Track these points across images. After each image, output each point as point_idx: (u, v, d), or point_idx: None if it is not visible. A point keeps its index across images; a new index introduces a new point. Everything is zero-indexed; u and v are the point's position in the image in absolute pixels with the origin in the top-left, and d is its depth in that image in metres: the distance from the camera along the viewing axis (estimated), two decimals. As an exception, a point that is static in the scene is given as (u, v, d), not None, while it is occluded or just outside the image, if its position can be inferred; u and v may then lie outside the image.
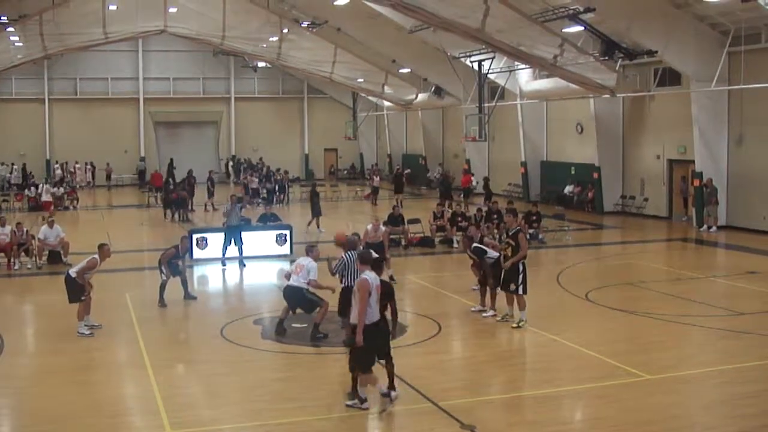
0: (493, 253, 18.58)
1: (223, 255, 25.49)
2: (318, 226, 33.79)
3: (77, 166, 58.40)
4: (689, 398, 13.11)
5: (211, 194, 42.37)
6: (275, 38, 42.26)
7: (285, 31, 42.02)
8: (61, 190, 45.16)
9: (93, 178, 59.49)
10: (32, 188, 45.14)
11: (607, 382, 13.52)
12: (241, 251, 25.45)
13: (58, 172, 56.12)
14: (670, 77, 34.52)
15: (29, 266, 25.64)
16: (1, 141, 57.60)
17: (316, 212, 34.25)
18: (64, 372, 14.42)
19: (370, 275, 12.40)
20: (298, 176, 63.25)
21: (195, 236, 26.83)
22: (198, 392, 13.59)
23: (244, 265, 25.35)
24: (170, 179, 41.24)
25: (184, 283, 20.41)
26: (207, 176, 43.88)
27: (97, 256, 17.32)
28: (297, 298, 16.64)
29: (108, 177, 59.55)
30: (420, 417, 12.18)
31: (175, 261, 20.04)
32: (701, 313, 18.75)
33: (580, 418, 12.48)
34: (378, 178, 49.05)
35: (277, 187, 45.99)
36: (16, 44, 42.42)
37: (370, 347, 12.24)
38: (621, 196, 39.05)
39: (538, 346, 16.22)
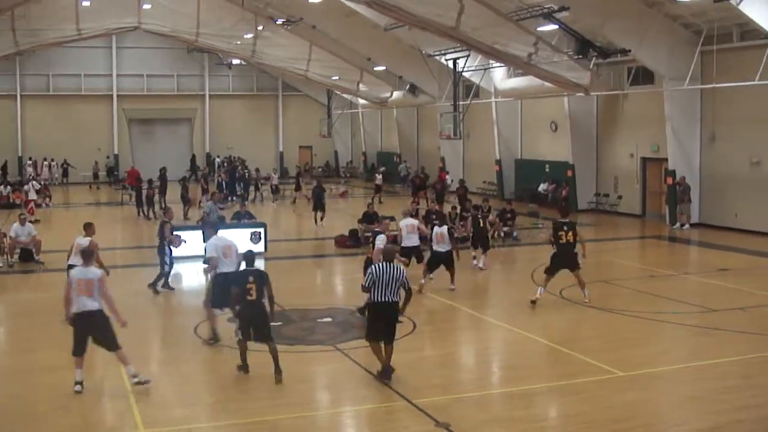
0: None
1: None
2: (321, 220, 34.70)
3: (45, 163, 57.86)
4: (662, 394, 13.17)
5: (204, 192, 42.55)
6: (250, 35, 42.12)
7: (260, 28, 41.88)
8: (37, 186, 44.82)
9: (66, 175, 59.05)
10: (7, 186, 44.80)
11: (580, 379, 13.58)
12: None
13: (30, 169, 55.70)
14: (643, 76, 34.73)
15: (1, 264, 25.43)
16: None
17: (319, 207, 34.95)
18: (35, 371, 14.32)
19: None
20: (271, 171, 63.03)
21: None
22: (171, 391, 13.53)
23: None
24: (163, 187, 40.99)
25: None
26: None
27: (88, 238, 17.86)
28: None
29: (65, 173, 59.46)
30: (394, 415, 12.20)
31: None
32: (674, 310, 18.86)
33: (553, 415, 12.53)
34: (381, 176, 48.90)
35: (242, 184, 46.08)
36: (-14, 40, 42.02)
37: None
38: (595, 193, 39.23)
39: (512, 343, 16.29)
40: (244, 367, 13.99)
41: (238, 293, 13.73)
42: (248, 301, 13.65)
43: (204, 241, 16.99)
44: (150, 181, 39.18)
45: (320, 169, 66.97)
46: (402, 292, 13.68)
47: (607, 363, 14.32)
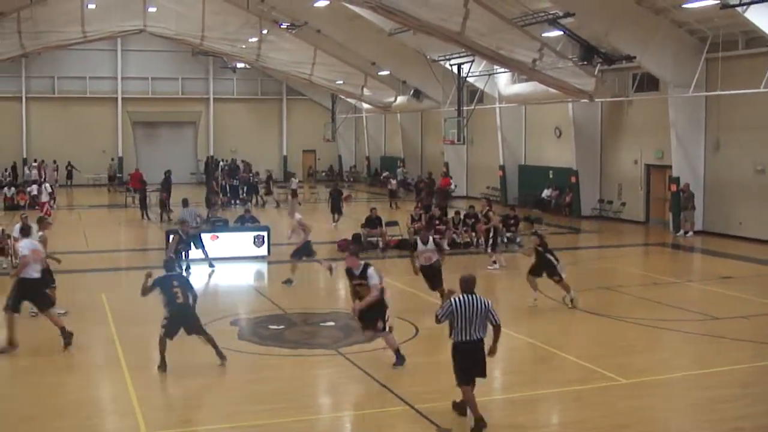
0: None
1: (207, 256, 25.29)
2: (336, 222, 35.28)
3: (54, 165, 57.89)
4: (663, 402, 13.15)
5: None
6: (255, 39, 42.18)
7: (264, 32, 41.95)
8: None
9: (71, 177, 59.13)
10: (11, 188, 44.88)
11: (582, 386, 13.58)
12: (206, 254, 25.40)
13: (32, 171, 55.64)
14: (648, 83, 34.73)
15: (4, 266, 25.40)
16: (-23, 140, 57.23)
17: (336, 210, 35.85)
18: (39, 373, 14.31)
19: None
20: (276, 178, 63.12)
21: (172, 236, 26.70)
22: (174, 394, 13.56)
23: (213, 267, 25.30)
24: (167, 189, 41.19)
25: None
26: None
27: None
28: None
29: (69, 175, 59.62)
30: (397, 420, 12.19)
31: (180, 246, 20.84)
32: (677, 317, 18.83)
33: (555, 422, 12.51)
34: (395, 181, 48.81)
35: (245, 188, 46.12)
36: (-8, 42, 42.11)
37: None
38: (598, 200, 39.20)
39: (515, 349, 16.23)
40: (162, 366, 14.26)
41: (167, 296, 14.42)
42: (178, 304, 14.34)
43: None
44: (162, 184, 39.48)
45: (324, 174, 66.96)
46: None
47: (609, 370, 14.30)
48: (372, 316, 14.53)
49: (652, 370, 14.61)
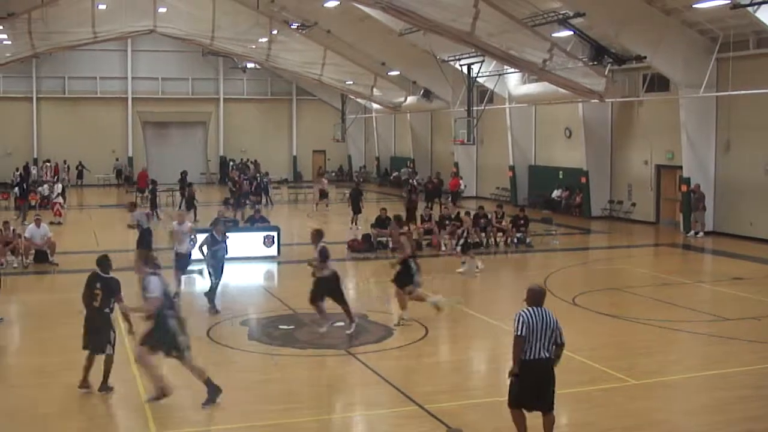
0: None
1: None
2: (356, 223, 35.10)
3: (65, 165, 58.01)
4: (673, 403, 13.14)
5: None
6: (265, 39, 42.23)
7: (274, 32, 42.00)
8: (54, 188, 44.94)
9: (81, 177, 59.33)
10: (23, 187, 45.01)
11: (592, 387, 13.57)
12: None
13: (39, 171, 55.75)
14: (658, 83, 34.64)
15: (15, 265, 25.52)
16: (-12, 139, 57.44)
17: (356, 210, 35.68)
18: (49, 372, 14.35)
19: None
20: (286, 177, 63.25)
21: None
22: (184, 393, 13.54)
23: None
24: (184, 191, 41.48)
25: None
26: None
27: None
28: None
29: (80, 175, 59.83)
30: (406, 420, 12.18)
31: (216, 248, 19.64)
32: (687, 318, 18.80)
33: (565, 422, 12.46)
34: (415, 182, 48.75)
35: (253, 188, 46.15)
36: (4, 42, 42.29)
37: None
38: (609, 200, 39.12)
39: (525, 350, 16.19)
40: (84, 384, 13.20)
41: (86, 296, 13.34)
42: (92, 307, 13.26)
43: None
44: (189, 184, 39.68)
45: (333, 174, 67.01)
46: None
47: (620, 371, 14.29)
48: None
49: (663, 371, 14.60)
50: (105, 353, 13.15)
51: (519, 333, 10.31)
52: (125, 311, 13.36)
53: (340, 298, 17.33)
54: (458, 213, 30.05)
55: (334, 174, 66.95)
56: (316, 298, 17.16)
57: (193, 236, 21.06)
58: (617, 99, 36.24)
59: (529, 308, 10.45)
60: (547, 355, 10.42)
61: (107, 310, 13.19)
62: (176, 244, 20.92)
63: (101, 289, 13.16)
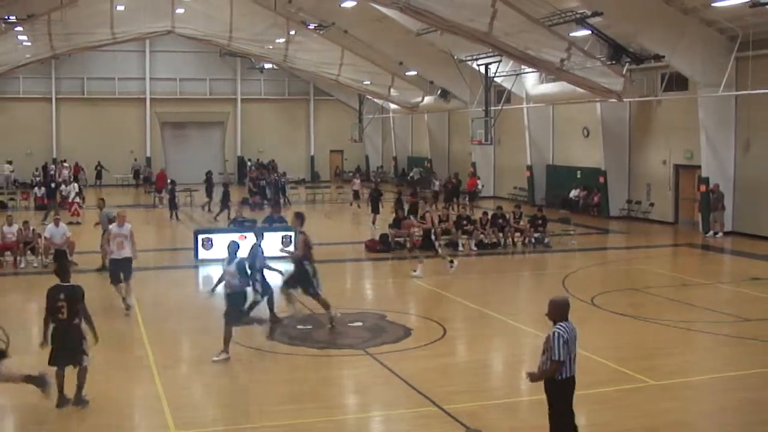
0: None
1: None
2: (374, 223, 35.05)
3: (65, 164, 57.83)
4: (693, 404, 13.09)
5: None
6: (282, 40, 42.23)
7: (292, 33, 42.00)
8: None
9: (100, 177, 59.58)
10: (42, 188, 45.28)
11: (611, 388, 13.51)
12: None
13: (64, 171, 55.87)
14: (677, 82, 34.48)
15: (35, 265, 25.69)
16: (9, 140, 57.71)
17: (376, 209, 35.75)
18: (69, 371, 14.36)
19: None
20: (304, 177, 63.36)
21: (200, 237, 26.88)
22: (203, 393, 13.61)
23: None
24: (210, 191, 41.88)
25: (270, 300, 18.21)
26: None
27: None
28: None
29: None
30: (425, 421, 12.17)
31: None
32: (707, 319, 18.72)
33: (584, 423, 12.37)
34: (438, 182, 48.67)
35: (272, 188, 46.23)
36: (24, 43, 42.46)
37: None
38: (627, 200, 38.98)
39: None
40: (62, 402, 12.52)
41: (49, 311, 12.54)
42: (59, 320, 12.46)
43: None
44: (225, 185, 39.98)
45: (350, 174, 67.01)
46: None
47: (639, 372, 14.23)
48: None
49: (682, 372, 14.52)
50: (81, 365, 12.57)
51: (559, 358, 9.53)
52: (88, 319, 12.77)
53: (312, 291, 17.27)
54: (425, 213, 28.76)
55: (351, 174, 66.96)
56: (287, 283, 17.40)
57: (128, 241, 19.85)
58: (635, 98, 36.10)
59: (562, 325, 9.71)
60: (575, 371, 9.83)
61: (76, 320, 12.49)
62: (114, 249, 19.64)
63: (65, 300, 12.40)
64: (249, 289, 15.95)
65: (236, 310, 15.49)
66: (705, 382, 14.17)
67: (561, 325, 9.70)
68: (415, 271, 24.08)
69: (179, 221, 38.13)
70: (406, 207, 32.89)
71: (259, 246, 17.77)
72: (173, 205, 39.31)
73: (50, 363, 12.52)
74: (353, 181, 49.86)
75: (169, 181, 42.84)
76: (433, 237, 24.46)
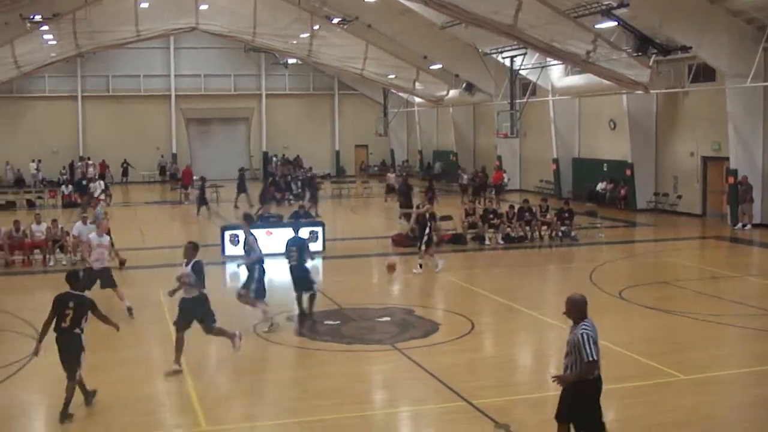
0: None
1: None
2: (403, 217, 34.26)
3: (90, 162, 57.97)
4: (724, 399, 12.99)
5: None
6: (306, 35, 42.27)
7: (316, 27, 42.03)
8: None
9: (126, 174, 59.92)
10: (69, 186, 45.66)
11: (640, 382, 13.42)
12: None
13: (90, 169, 56.18)
14: (704, 73, 34.22)
15: (64, 262, 25.85)
16: (35, 138, 58.14)
17: (407, 204, 34.94)
18: (99, 368, 14.44)
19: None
20: (329, 172, 63.42)
21: (227, 233, 26.95)
22: (232, 389, 13.65)
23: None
24: (243, 186, 41.99)
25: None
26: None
27: None
28: None
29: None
30: (454, 416, 12.17)
31: None
32: (736, 312, 18.59)
33: (613, 418, 12.34)
34: (466, 176, 48.45)
35: (299, 184, 46.20)
36: (49, 42, 42.74)
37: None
38: (654, 193, 38.75)
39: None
40: (63, 415, 11.96)
41: (51, 318, 12.17)
42: (60, 329, 12.10)
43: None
44: (272, 175, 40.05)
45: (376, 168, 66.99)
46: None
47: (668, 366, 14.15)
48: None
49: (712, 367, 14.39)
50: (73, 380, 12.06)
51: (594, 358, 9.33)
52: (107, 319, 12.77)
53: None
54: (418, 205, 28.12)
55: (377, 168, 66.96)
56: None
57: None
58: (662, 90, 35.88)
59: (587, 324, 9.50)
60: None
61: (77, 330, 12.10)
62: (93, 258, 19.05)
63: (73, 308, 12.06)
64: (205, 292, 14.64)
65: (186, 317, 14.52)
66: (735, 377, 14.03)
67: (586, 324, 9.51)
68: (421, 266, 23.84)
69: (209, 217, 38.05)
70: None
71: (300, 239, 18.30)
72: (203, 201, 39.26)
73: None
74: (387, 176, 49.78)
75: (199, 177, 42.54)
76: (427, 231, 23.92)
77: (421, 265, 23.70)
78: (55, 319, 12.16)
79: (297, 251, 17.60)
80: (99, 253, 19.08)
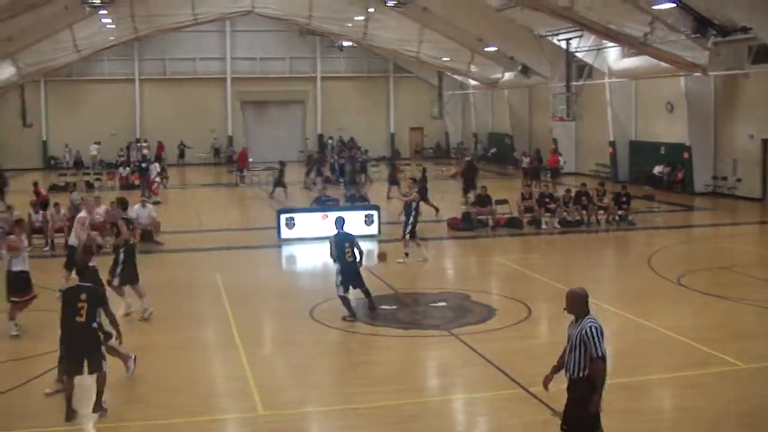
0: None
1: None
2: (467, 201, 34.23)
3: (145, 143, 58.30)
4: (786, 389, 12.80)
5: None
6: (361, 18, 42.36)
7: (371, 10, 42.07)
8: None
9: (183, 156, 60.47)
10: (126, 168, 46.22)
11: (700, 371, 13.25)
12: None
13: (145, 152, 56.65)
14: (765, 54, 33.59)
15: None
16: (93, 121, 58.88)
17: (472, 186, 35.00)
18: (157, 351, 14.63)
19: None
20: (384, 155, 63.45)
21: (283, 216, 27.12)
22: (289, 374, 13.74)
23: None
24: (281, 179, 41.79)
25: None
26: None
27: None
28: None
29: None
30: (510, 403, 12.14)
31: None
32: (798, 299, 18.29)
33: (671, 408, 12.26)
34: (528, 159, 47.94)
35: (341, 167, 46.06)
36: (107, 26, 43.31)
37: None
38: (712, 176, 38.19)
39: (628, 331, 15.89)
40: (71, 415, 11.48)
41: (66, 312, 11.59)
42: (75, 324, 11.48)
43: None
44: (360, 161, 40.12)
45: (431, 150, 66.83)
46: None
47: (728, 354, 13.93)
48: None
49: (774, 355, 14.18)
50: (101, 371, 11.62)
51: (602, 353, 8.96)
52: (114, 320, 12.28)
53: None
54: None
55: (431, 151, 66.79)
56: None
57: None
58: (721, 72, 35.29)
59: (593, 318, 9.18)
60: None
61: (94, 324, 11.57)
62: (73, 236, 19.55)
63: (87, 300, 11.49)
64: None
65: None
66: (798, 366, 13.83)
67: (592, 318, 9.16)
68: (407, 254, 23.27)
69: (286, 198, 37.66)
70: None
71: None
72: (279, 183, 38.96)
73: (61, 371, 11.86)
74: (336, 158, 48.81)
75: (279, 161, 41.56)
76: (411, 218, 23.25)
77: (407, 254, 23.13)
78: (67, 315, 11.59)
79: (350, 247, 16.84)
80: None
